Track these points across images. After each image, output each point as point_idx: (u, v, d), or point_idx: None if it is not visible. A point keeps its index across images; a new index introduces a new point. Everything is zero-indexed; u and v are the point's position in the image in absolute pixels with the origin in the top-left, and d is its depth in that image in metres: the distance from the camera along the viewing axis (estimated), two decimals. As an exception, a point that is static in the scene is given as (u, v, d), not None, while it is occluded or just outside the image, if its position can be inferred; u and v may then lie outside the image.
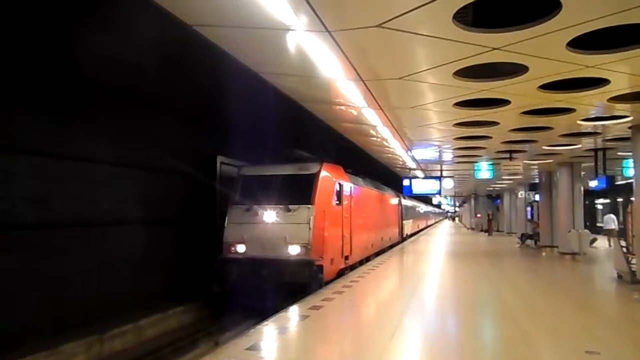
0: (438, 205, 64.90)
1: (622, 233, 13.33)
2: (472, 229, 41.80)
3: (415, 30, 5.25)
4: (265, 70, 7.29)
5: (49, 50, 8.02)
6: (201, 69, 9.94)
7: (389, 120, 10.56)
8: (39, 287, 7.73)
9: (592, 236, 19.02)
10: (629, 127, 10.60)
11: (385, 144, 14.33)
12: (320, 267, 10.22)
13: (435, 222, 64.83)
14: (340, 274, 11.68)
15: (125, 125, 9.83)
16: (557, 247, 18.21)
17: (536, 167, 19.38)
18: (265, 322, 6.45)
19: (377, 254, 17.02)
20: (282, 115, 11.75)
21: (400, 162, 19.60)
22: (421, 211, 41.31)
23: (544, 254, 18.48)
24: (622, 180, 21.35)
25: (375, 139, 13.78)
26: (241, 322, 9.91)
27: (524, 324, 6.77)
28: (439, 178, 18.36)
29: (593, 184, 15.72)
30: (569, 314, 7.58)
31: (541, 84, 7.32)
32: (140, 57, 8.87)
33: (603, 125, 10.51)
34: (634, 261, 10.35)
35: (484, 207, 41.51)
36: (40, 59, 7.95)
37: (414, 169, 21.46)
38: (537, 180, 23.16)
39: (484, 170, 17.62)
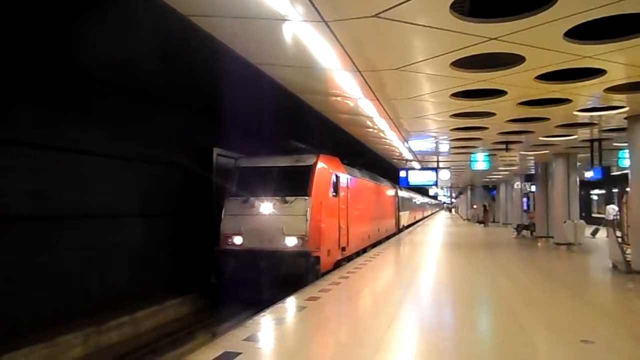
0: (434, 197, 65.03)
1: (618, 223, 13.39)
2: (468, 220, 41.94)
3: (412, 20, 5.22)
4: (262, 61, 7.25)
5: (44, 43, 7.94)
6: (197, 60, 9.89)
7: (386, 112, 10.54)
8: (36, 279, 7.73)
9: (594, 227, 19.13)
10: (625, 118, 10.63)
11: (382, 135, 14.32)
12: (317, 258, 10.23)
13: (432, 214, 64.99)
14: (337, 265, 11.71)
15: (121, 118, 9.77)
16: (552, 237, 18.31)
17: (532, 158, 19.43)
18: (263, 313, 6.47)
19: (374, 245, 17.07)
20: (278, 107, 11.73)
21: (397, 154, 19.61)
22: (418, 202, 41.38)
23: (539, 244, 18.59)
24: (617, 171, 21.43)
25: (371, 130, 13.76)
26: (238, 313, 9.92)
27: (520, 314, 6.81)
28: (436, 169, 18.36)
29: (589, 174, 15.76)
30: (565, 303, 7.63)
31: (538, 74, 7.32)
32: (136, 48, 8.82)
33: (599, 115, 10.53)
34: (628, 251, 10.42)
35: (480, 198, 41.63)
36: (36, 52, 7.87)
37: (411, 160, 21.48)
38: (533, 171, 23.21)
39: (480, 162, 17.63)
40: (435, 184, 19.55)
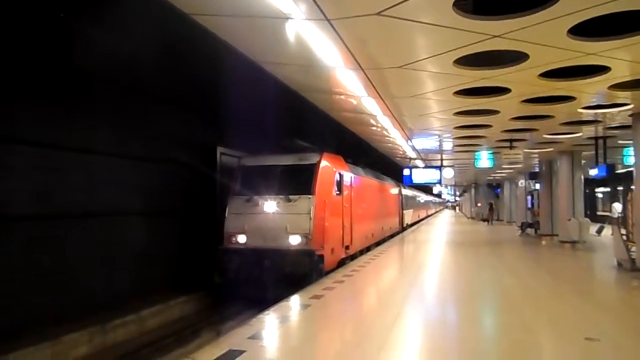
0: (438, 195, 64.80)
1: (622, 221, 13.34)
2: (473, 218, 41.87)
3: (415, 18, 5.22)
4: (265, 60, 7.27)
5: (47, 42, 7.96)
6: (200, 58, 9.90)
7: (389, 110, 10.53)
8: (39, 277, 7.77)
9: (599, 225, 19.06)
10: (630, 115, 10.58)
11: (386, 133, 14.31)
12: (321, 256, 10.24)
13: (436, 212, 64.92)
14: (341, 263, 11.72)
15: (125, 116, 9.80)
16: (557, 235, 18.26)
17: (536, 155, 19.35)
18: (267, 312, 6.48)
19: (378, 243, 17.06)
20: (281, 105, 11.72)
21: (401, 152, 19.59)
22: (421, 201, 41.32)
23: (544, 242, 18.54)
24: (622, 168, 21.35)
25: (375, 128, 13.75)
26: (243, 311, 9.95)
27: (524, 311, 6.81)
28: (439, 167, 18.33)
29: (593, 172, 15.71)
30: (569, 301, 7.61)
31: (542, 71, 7.30)
32: (139, 47, 8.83)
33: (604, 113, 10.49)
34: (633, 249, 10.38)
35: (484, 196, 41.53)
36: (38, 50, 7.90)
37: (414, 159, 21.46)
38: (537, 169, 23.16)
39: (484, 159, 17.59)
40: (439, 182, 19.55)
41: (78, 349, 7.72)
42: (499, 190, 39.27)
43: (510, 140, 14.55)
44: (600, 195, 37.64)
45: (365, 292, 8.86)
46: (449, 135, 14.29)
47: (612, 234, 11.81)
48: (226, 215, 10.86)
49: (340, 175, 11.99)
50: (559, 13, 4.98)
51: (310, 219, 10.23)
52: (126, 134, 9.76)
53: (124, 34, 8.63)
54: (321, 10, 5.01)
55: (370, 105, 10.07)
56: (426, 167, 20.72)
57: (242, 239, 10.53)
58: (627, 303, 7.95)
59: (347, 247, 12.27)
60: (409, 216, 28.74)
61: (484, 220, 34.58)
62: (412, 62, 6.93)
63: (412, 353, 5.07)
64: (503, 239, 21.05)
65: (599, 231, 17.78)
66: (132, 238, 9.81)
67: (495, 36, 5.71)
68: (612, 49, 6.21)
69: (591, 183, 28.88)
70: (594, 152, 14.70)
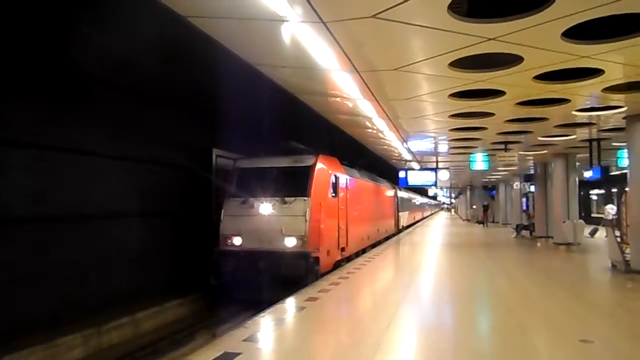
0: (434, 197, 65.04)
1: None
2: (468, 220, 41.94)
3: (410, 20, 5.24)
4: (260, 62, 7.27)
5: (43, 42, 7.94)
6: (196, 60, 9.90)
7: (385, 112, 10.55)
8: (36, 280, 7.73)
9: (593, 227, 19.13)
10: (624, 118, 10.64)
11: (381, 135, 14.33)
12: (317, 259, 10.24)
13: (431, 214, 65.00)
14: (337, 265, 11.72)
15: (121, 118, 9.77)
16: (551, 237, 18.32)
17: (531, 158, 19.44)
18: (262, 314, 6.47)
19: (374, 245, 17.06)
20: (277, 108, 11.73)
21: (396, 154, 19.62)
22: (417, 203, 41.38)
23: (539, 244, 18.60)
24: (616, 170, 21.44)
25: (371, 130, 13.77)
26: (238, 314, 9.93)
27: (519, 313, 6.83)
28: (435, 170, 18.38)
29: (588, 174, 15.78)
30: (564, 303, 7.64)
31: (536, 74, 7.33)
32: (134, 49, 8.83)
33: (598, 115, 10.55)
34: (627, 251, 10.43)
35: (479, 198, 41.62)
36: (34, 51, 7.87)
37: (410, 161, 21.49)
38: (532, 171, 23.22)
39: (479, 162, 17.66)
40: (435, 185, 19.57)
41: (72, 351, 7.70)
42: (494, 192, 39.38)
43: (505, 143, 14.60)
44: (594, 198, 37.81)
45: (361, 294, 8.86)
46: (444, 137, 14.33)
47: (606, 236, 11.86)
48: (222, 217, 10.84)
49: (336, 178, 12.00)
50: (553, 16, 5.01)
51: (306, 221, 10.22)
52: (122, 135, 9.73)
53: (118, 36, 8.62)
54: (316, 13, 5.02)
55: (366, 107, 10.09)
56: (422, 169, 20.74)
57: (237, 241, 10.51)
58: (621, 304, 7.98)
59: (342, 249, 12.27)
60: (404, 218, 28.77)
61: (479, 222, 34.62)
62: (408, 65, 6.95)
63: (408, 355, 5.07)
64: (498, 241, 21.10)
65: (593, 233, 17.85)
66: (126, 240, 9.78)
67: (490, 39, 5.74)
68: (605, 52, 6.24)
69: (586, 185, 28.99)
70: (588, 154, 14.76)
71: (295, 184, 10.69)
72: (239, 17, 5.35)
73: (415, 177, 18.42)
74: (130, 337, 8.98)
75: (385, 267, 12.70)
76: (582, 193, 26.36)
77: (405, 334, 5.81)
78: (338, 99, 9.67)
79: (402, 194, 27.49)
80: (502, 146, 14.94)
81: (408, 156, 19.80)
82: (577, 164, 17.86)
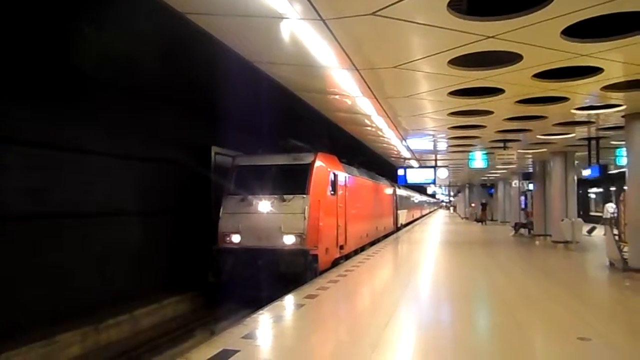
0: (433, 195, 65.00)
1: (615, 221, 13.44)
2: (467, 218, 41.98)
3: (410, 18, 5.23)
4: (260, 60, 7.25)
5: (41, 41, 7.92)
6: (195, 58, 9.87)
7: (384, 110, 10.54)
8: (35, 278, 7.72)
9: (591, 225, 19.17)
10: (623, 116, 10.65)
11: (380, 133, 14.32)
12: (315, 256, 10.24)
13: (430, 212, 65.06)
14: (335, 263, 11.73)
15: (119, 116, 9.75)
16: (550, 235, 18.35)
17: (530, 156, 19.45)
18: (261, 311, 6.48)
19: (372, 243, 17.09)
20: (276, 105, 11.71)
21: (395, 152, 19.62)
22: (416, 201, 41.41)
23: (537, 242, 18.63)
24: (615, 169, 21.49)
25: (370, 128, 13.77)
26: (237, 311, 9.93)
27: (517, 311, 6.84)
28: (434, 167, 18.38)
29: (586, 173, 15.80)
30: (562, 301, 7.65)
31: (535, 72, 7.33)
32: (133, 46, 8.80)
33: (597, 114, 10.55)
34: (625, 249, 10.46)
35: (478, 196, 41.66)
36: (33, 50, 7.85)
37: (409, 159, 21.49)
38: (531, 170, 23.26)
39: (478, 160, 17.65)
40: (434, 183, 19.59)
41: (70, 348, 7.69)
42: (492, 190, 39.42)
43: (504, 141, 14.61)
44: (593, 196, 37.87)
45: (360, 292, 8.87)
46: (443, 135, 14.33)
47: (604, 234, 11.88)
48: (220, 214, 10.84)
49: (335, 175, 11.99)
50: (553, 14, 5.01)
51: (305, 218, 10.23)
52: (119, 133, 9.70)
53: (117, 33, 8.59)
54: (316, 10, 5.01)
55: (365, 105, 10.08)
56: (420, 167, 20.77)
57: (236, 238, 10.51)
58: (619, 302, 8.01)
59: (341, 247, 12.28)
60: (403, 216, 28.80)
61: (477, 220, 34.65)
62: (407, 62, 6.94)
63: (406, 353, 5.07)
64: (496, 239, 21.13)
65: (590, 231, 17.89)
66: (125, 237, 9.77)
67: (489, 37, 5.73)
68: (605, 50, 6.25)
69: (584, 183, 29.04)
70: (587, 152, 14.79)
71: (294, 181, 10.69)
72: (238, 14, 5.34)
73: (414, 175, 18.42)
74: (128, 334, 8.98)
75: (383, 265, 12.72)
76: (580, 191, 26.39)
77: (403, 332, 5.82)
78: (337, 97, 9.66)
79: (400, 191, 27.51)
80: (501, 144, 14.95)
81: (407, 154, 19.80)
82: (576, 162, 17.87)
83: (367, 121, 12.41)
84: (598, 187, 34.61)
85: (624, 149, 12.23)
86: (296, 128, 13.84)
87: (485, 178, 35.36)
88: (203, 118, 12.82)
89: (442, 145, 16.83)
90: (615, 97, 9.02)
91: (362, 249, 15.26)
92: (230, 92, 10.95)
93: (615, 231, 11.20)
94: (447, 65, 6.92)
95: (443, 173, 18.61)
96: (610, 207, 20.73)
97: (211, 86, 11.00)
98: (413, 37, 6.02)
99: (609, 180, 26.38)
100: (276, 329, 5.79)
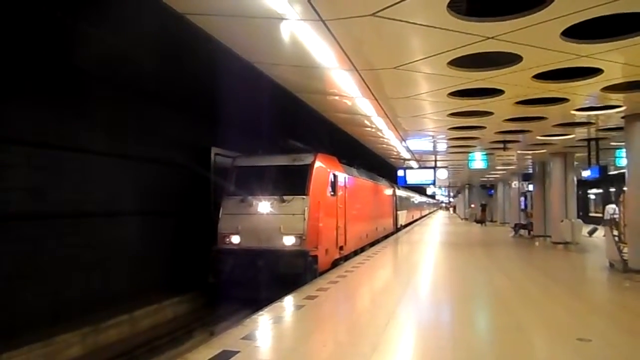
0: (432, 196, 65.02)
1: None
2: (466, 219, 41.96)
3: (410, 19, 5.23)
4: (259, 60, 7.25)
5: (41, 40, 7.92)
6: (194, 58, 9.87)
7: (384, 111, 10.54)
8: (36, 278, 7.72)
9: (591, 226, 19.16)
10: (622, 117, 10.65)
11: (380, 134, 14.33)
12: (315, 257, 10.24)
13: (430, 213, 65.07)
14: (335, 264, 11.72)
15: (119, 116, 9.76)
16: (550, 236, 18.34)
17: (530, 157, 19.46)
18: (261, 312, 6.47)
19: (372, 244, 17.08)
20: (276, 106, 11.72)
21: (395, 153, 19.62)
22: (415, 202, 41.41)
23: (537, 243, 18.62)
24: (614, 170, 21.48)
25: (369, 129, 13.77)
26: (236, 312, 9.94)
27: (517, 312, 6.83)
28: (434, 168, 18.38)
29: (586, 174, 15.80)
30: (562, 302, 7.64)
31: (535, 73, 7.33)
32: (132, 47, 8.80)
33: (596, 115, 10.55)
34: (625, 250, 10.45)
35: (478, 197, 41.63)
36: (33, 49, 7.85)
37: (409, 160, 21.49)
38: (530, 171, 23.25)
39: (477, 161, 17.66)
40: (433, 183, 19.57)
41: (70, 349, 7.69)
42: (492, 191, 39.41)
43: (504, 142, 14.60)
44: (592, 197, 37.86)
45: (359, 293, 8.86)
46: (443, 136, 14.33)
47: (604, 235, 11.89)
48: (220, 215, 10.84)
49: (335, 176, 11.99)
50: (553, 15, 5.01)
51: (304, 219, 10.22)
52: (119, 133, 9.71)
53: (117, 33, 8.60)
54: (316, 11, 5.01)
55: (365, 106, 10.08)
56: (420, 167, 20.76)
57: (236, 239, 10.51)
58: (619, 304, 7.99)
59: (341, 248, 12.27)
60: (403, 217, 28.79)
61: (477, 221, 34.61)
62: (407, 63, 6.94)
63: (406, 354, 5.07)
64: (496, 240, 21.11)
65: (591, 232, 17.89)
66: (125, 238, 9.76)
67: (489, 38, 5.73)
68: (605, 51, 6.25)
69: (584, 184, 29.04)
70: (586, 153, 14.78)
71: (293, 182, 10.69)
72: (238, 14, 5.34)
73: (414, 176, 18.42)
74: (128, 335, 8.97)
75: (383, 265, 12.71)
76: (580, 192, 26.40)
77: (403, 333, 5.81)
78: (337, 98, 9.66)
79: (400, 192, 27.50)
80: (501, 145, 14.95)
81: (407, 155, 19.80)
82: (576, 163, 17.88)
83: (367, 122, 12.41)
84: (598, 188, 34.60)
85: (624, 150, 12.22)
86: (296, 129, 13.85)
87: (485, 179, 35.35)
88: (203, 119, 12.82)
89: (442, 146, 16.83)
90: (615, 98, 9.02)
91: (362, 249, 15.26)
92: (230, 92, 10.96)
93: (615, 232, 11.18)
94: (447, 66, 6.92)
95: (443, 174, 18.62)
96: (610, 208, 20.71)
97: (211, 87, 11.00)
98: (413, 38, 6.02)
99: (609, 181, 26.37)
100: (276, 330, 5.78)
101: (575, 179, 18.21)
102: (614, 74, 7.42)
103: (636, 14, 5.19)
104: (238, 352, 4.65)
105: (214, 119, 12.59)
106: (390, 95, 9.24)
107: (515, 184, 28.04)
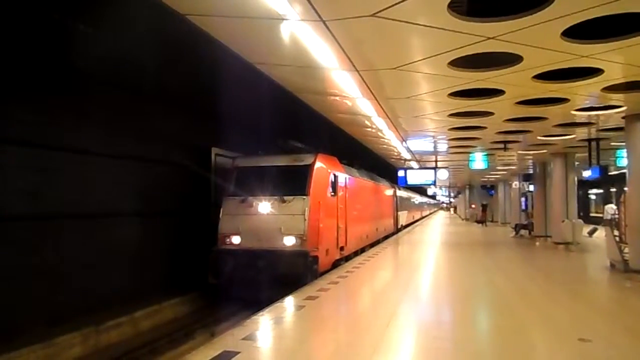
0: (433, 196, 65.00)
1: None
2: (467, 219, 41.93)
3: (410, 19, 5.23)
4: (260, 61, 7.25)
5: (39, 40, 7.92)
6: (195, 59, 9.88)
7: (384, 111, 10.54)
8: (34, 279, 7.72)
9: (592, 226, 19.15)
10: (623, 117, 10.64)
11: (380, 134, 14.32)
12: (316, 258, 10.23)
13: (430, 213, 65.03)
14: (336, 264, 11.71)
15: (119, 117, 9.76)
16: (550, 237, 18.33)
17: (530, 157, 19.45)
18: (261, 313, 6.47)
19: (372, 244, 17.07)
20: (276, 106, 11.72)
21: (395, 153, 19.61)
22: (416, 202, 41.40)
23: (537, 244, 18.60)
24: (615, 170, 21.45)
25: (370, 129, 13.77)
26: (237, 313, 9.93)
27: (518, 312, 6.83)
28: (434, 169, 18.37)
29: (587, 174, 15.78)
30: (562, 302, 7.64)
31: (536, 73, 7.33)
32: (133, 47, 8.81)
33: (597, 115, 10.54)
34: (626, 250, 10.44)
35: (478, 197, 41.60)
36: (30, 49, 7.86)
37: (409, 160, 21.48)
38: (531, 171, 23.24)
39: (478, 161, 17.63)
40: (434, 184, 19.55)
41: (71, 350, 7.69)
42: (493, 191, 39.39)
43: (505, 142, 14.60)
44: (593, 197, 37.83)
45: (360, 293, 8.86)
46: (444, 136, 14.32)
47: (605, 236, 11.88)
48: (220, 216, 10.83)
49: (335, 176, 11.99)
50: (553, 15, 5.01)
51: (305, 220, 10.22)
52: (119, 134, 9.71)
53: (117, 34, 8.60)
54: (316, 11, 5.01)
55: (365, 106, 10.08)
56: (421, 168, 20.75)
57: (236, 240, 10.50)
58: (619, 304, 7.99)
59: (341, 248, 12.27)
60: (403, 217, 28.78)
61: (478, 221, 34.57)
62: (407, 64, 6.94)
63: (407, 354, 5.07)
64: (497, 240, 21.11)
65: (591, 232, 17.88)
66: (125, 238, 9.76)
67: (489, 38, 5.73)
68: (605, 52, 6.24)
69: (584, 185, 29.01)
70: (587, 153, 14.77)
71: (294, 182, 10.68)
72: (238, 15, 5.34)
73: (414, 177, 18.41)
74: (129, 335, 8.97)
75: (384, 266, 12.70)
76: (580, 193, 26.37)
77: (404, 333, 5.81)
78: (337, 98, 9.65)
79: (401, 193, 27.50)
80: (502, 145, 14.94)
81: (407, 155, 19.79)
82: (576, 163, 17.86)
83: (367, 122, 12.41)
84: (598, 188, 34.56)
85: (624, 150, 12.20)
86: (296, 129, 13.85)
87: (486, 179, 35.32)
88: (203, 119, 12.82)
89: (443, 146, 16.82)
90: (616, 98, 9.02)
91: (363, 250, 15.25)
92: (230, 93, 10.96)
93: (616, 232, 11.17)
94: (447, 66, 6.91)
95: (443, 174, 18.61)
96: (611, 208, 20.69)
97: (212, 87, 11.01)
98: (413, 38, 6.02)
99: (610, 181, 26.33)
100: (276, 331, 5.78)
101: (575, 179, 18.19)
102: (615, 74, 7.41)
103: (636, 14, 5.19)
104: (239, 352, 4.65)
105: (214, 120, 12.59)
106: (390, 95, 9.24)
107: (515, 184, 28.02)
